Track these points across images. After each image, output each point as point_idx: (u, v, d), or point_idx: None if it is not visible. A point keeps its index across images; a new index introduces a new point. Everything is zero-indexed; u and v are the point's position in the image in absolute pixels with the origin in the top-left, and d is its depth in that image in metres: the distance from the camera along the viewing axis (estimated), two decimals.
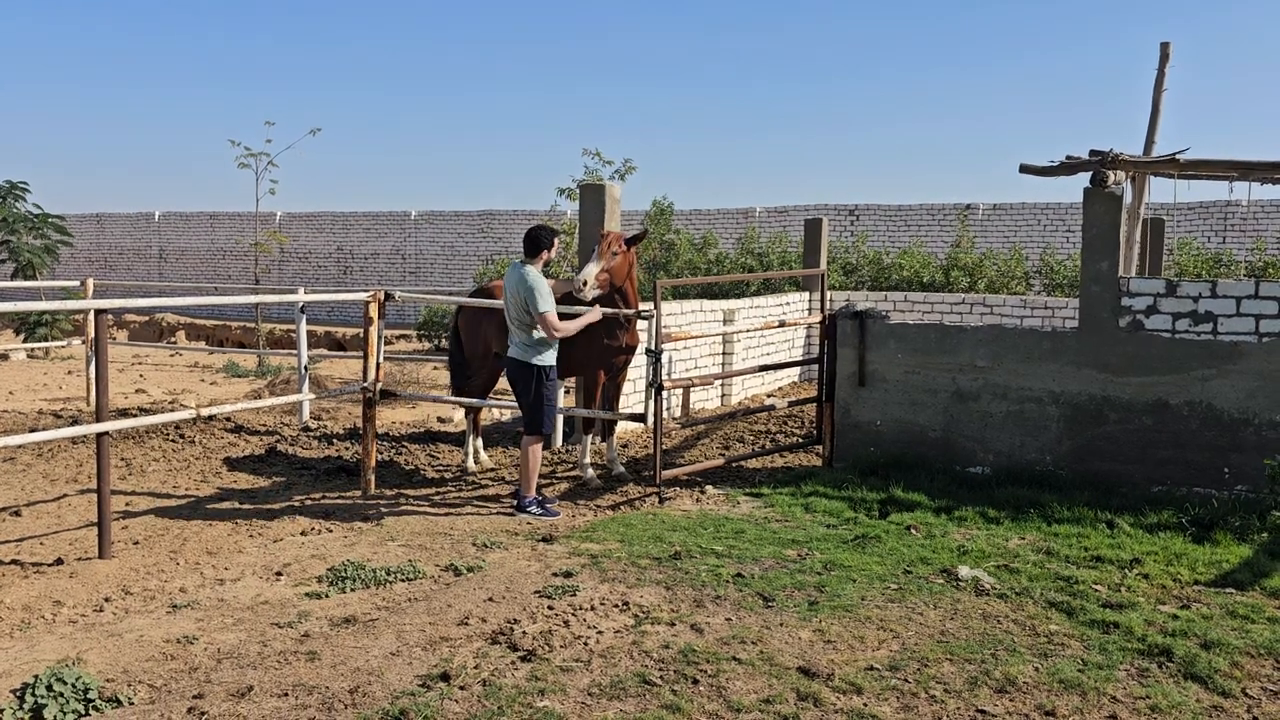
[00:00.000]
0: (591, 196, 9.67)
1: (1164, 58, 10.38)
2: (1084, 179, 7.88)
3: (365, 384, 7.79)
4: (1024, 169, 8.79)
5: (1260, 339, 7.16)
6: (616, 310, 7.72)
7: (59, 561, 5.96)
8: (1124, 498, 7.15)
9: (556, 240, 7.24)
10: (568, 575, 5.57)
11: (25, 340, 19.91)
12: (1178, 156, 8.18)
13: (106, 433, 6.05)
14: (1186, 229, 21.61)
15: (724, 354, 12.20)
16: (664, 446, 7.66)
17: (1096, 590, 5.36)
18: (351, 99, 78.51)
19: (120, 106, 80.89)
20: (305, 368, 11.13)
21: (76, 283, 13.73)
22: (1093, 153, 8.21)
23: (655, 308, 7.56)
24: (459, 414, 11.11)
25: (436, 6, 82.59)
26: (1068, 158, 8.34)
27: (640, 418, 7.76)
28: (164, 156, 77.05)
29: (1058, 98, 73.62)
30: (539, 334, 7.03)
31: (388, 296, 7.93)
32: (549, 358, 7.11)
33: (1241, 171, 8.38)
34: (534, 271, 7.02)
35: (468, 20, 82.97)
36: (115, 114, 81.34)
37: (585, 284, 7.49)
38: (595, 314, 7.42)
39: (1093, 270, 7.63)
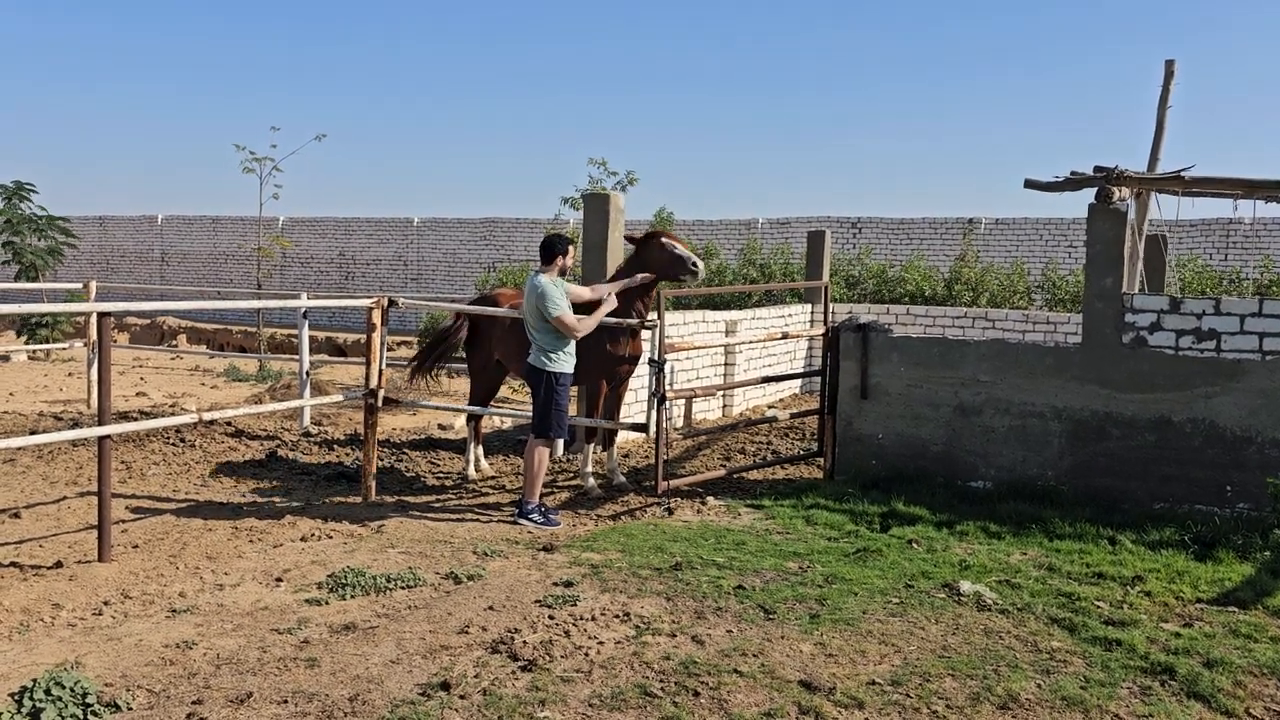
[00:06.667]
0: (595, 206, 9.68)
1: (1168, 75, 10.41)
2: (1088, 195, 7.89)
3: (367, 390, 7.78)
4: (1029, 184, 8.79)
5: (1264, 357, 7.15)
6: (627, 320, 7.75)
7: (58, 564, 5.94)
8: (1126, 514, 7.14)
9: (571, 248, 7.32)
10: (568, 585, 5.55)
11: (26, 342, 19.91)
12: (1183, 173, 8.18)
13: (108, 436, 6.04)
14: (1189, 246, 21.62)
15: (725, 365, 12.19)
16: (665, 457, 7.64)
17: (1099, 607, 5.35)
18: (356, 104, 78.73)
19: (124, 108, 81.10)
20: (307, 373, 11.13)
21: (78, 285, 13.74)
22: (1097, 169, 8.20)
23: (658, 318, 7.57)
24: (460, 421, 11.09)
25: (443, 13, 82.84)
26: (1073, 173, 8.35)
27: (642, 428, 7.75)
28: (168, 160, 77.22)
29: (1061, 113, 73.86)
30: (552, 341, 7.08)
31: (391, 303, 7.94)
32: (562, 364, 7.14)
33: (1246, 189, 8.38)
34: (545, 279, 7.09)
35: (473, 27, 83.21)
36: (119, 116, 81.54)
37: (698, 266, 7.91)
38: (611, 304, 7.49)
39: (1096, 286, 7.63)
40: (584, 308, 7.43)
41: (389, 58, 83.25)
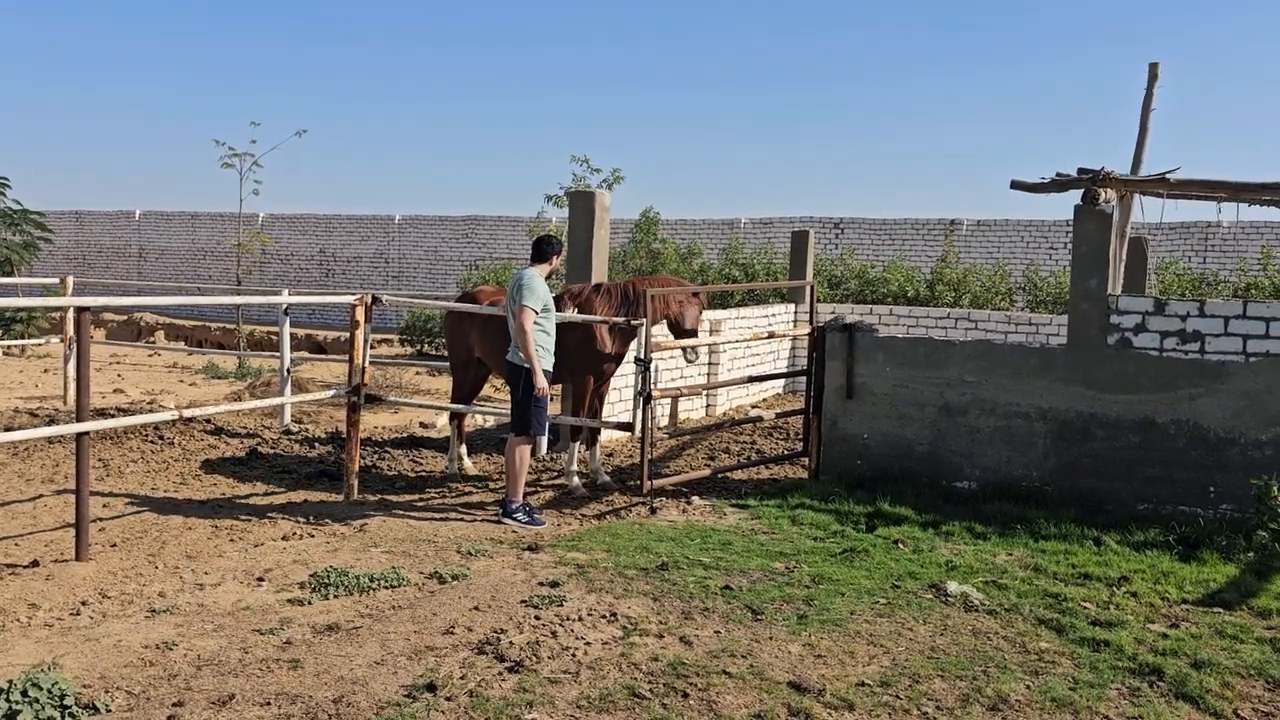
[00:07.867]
0: (580, 204, 9.63)
1: (1152, 77, 10.45)
2: (1071, 197, 7.92)
3: (350, 388, 7.70)
4: (1015, 185, 8.82)
5: (1247, 359, 7.18)
6: (613, 319, 7.76)
7: (35, 563, 5.84)
8: (1110, 515, 7.15)
9: (563, 249, 7.38)
10: (554, 585, 5.50)
11: (1, 337, 19.64)
12: (1168, 176, 8.22)
13: (86, 433, 5.94)
14: (1168, 249, 21.78)
15: (709, 364, 12.16)
16: (650, 456, 7.61)
17: (1085, 608, 5.35)
18: (337, 101, 78.27)
19: (102, 102, 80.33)
20: (287, 370, 11.02)
21: (54, 280, 13.56)
22: (1082, 170, 8.24)
23: (646, 317, 7.54)
24: (442, 419, 11.01)
25: (428, 12, 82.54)
26: (1058, 175, 8.38)
27: (628, 426, 7.72)
28: (146, 154, 76.53)
29: (1042, 114, 74.24)
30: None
31: (375, 300, 7.86)
32: (544, 362, 7.08)
33: (1231, 192, 8.43)
34: (531, 273, 7.06)
35: (455, 25, 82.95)
36: (97, 110, 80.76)
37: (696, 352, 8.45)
38: (544, 389, 7.03)
39: (1082, 288, 7.64)
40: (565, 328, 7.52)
41: (371, 55, 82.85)
